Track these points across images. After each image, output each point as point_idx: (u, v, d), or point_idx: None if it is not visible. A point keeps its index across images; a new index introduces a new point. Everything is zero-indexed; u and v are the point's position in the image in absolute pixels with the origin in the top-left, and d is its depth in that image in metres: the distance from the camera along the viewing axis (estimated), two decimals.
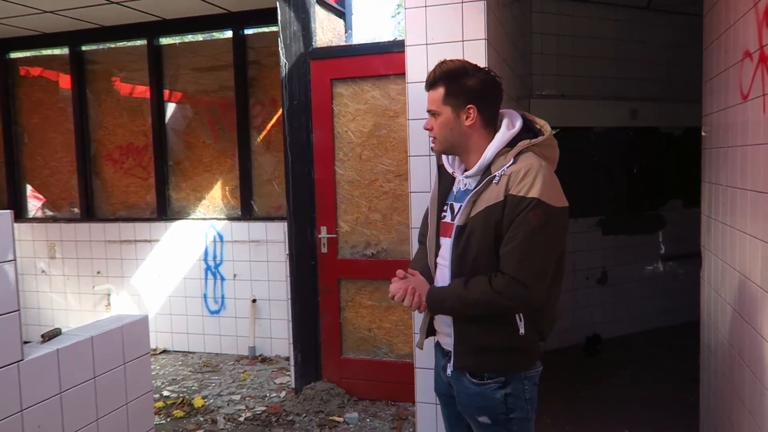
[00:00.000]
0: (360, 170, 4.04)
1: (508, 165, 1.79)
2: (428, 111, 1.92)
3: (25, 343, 2.20)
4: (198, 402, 4.15)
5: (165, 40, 5.37)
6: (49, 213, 5.87)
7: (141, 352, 2.65)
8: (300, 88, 4.02)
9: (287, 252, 4.17)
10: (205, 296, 5.27)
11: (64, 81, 5.68)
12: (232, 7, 4.86)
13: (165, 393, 4.37)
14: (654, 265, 5.56)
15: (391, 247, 4.02)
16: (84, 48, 5.57)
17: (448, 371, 1.94)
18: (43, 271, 5.80)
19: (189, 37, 5.34)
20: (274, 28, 4.70)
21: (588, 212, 5.13)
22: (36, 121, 5.82)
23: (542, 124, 1.92)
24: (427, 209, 2.12)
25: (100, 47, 5.56)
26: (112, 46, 5.53)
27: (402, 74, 3.00)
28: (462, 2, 2.64)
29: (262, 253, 5.07)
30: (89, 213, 5.64)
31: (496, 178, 1.79)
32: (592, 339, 5.10)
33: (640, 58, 5.31)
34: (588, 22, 5.11)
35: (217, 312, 5.25)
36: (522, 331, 1.81)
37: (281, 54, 4.03)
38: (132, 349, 2.60)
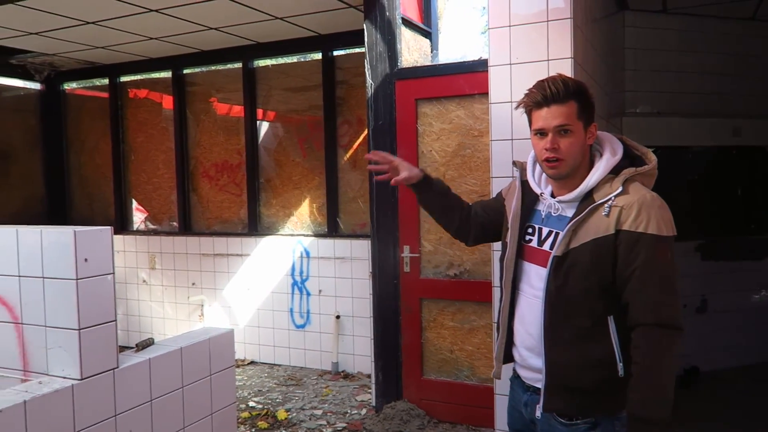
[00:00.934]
0: None
1: (615, 194, 1.70)
2: (558, 126, 1.72)
3: (122, 350, 2.34)
4: (281, 414, 4.24)
5: (259, 63, 5.60)
6: (151, 226, 6.24)
7: (226, 364, 2.75)
8: (385, 108, 4.07)
9: (371, 270, 4.21)
10: (291, 310, 5.41)
11: (167, 102, 6.05)
12: (321, 30, 5.01)
13: (251, 403, 4.50)
14: (761, 294, 5.16)
15: (474, 268, 3.97)
16: (185, 71, 5.91)
17: (537, 413, 1.83)
18: (144, 281, 6.15)
19: (281, 59, 5.55)
20: (361, 50, 4.80)
21: (686, 236, 4.81)
22: (141, 140, 6.22)
23: (645, 151, 1.82)
24: (499, 194, 2.10)
25: (200, 70, 5.89)
26: (211, 68, 5.84)
27: (486, 93, 2.98)
28: (547, 21, 2.59)
29: (347, 270, 5.14)
30: (186, 227, 5.95)
31: (605, 210, 1.69)
32: (690, 371, 4.78)
33: (744, 72, 4.98)
34: (684, 36, 4.86)
35: (303, 326, 5.37)
36: (621, 373, 1.71)
37: (367, 74, 4.10)
38: (218, 361, 2.70)
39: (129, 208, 6.37)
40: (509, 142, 2.76)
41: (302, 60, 5.51)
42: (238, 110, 5.71)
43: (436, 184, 2.16)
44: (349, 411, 4.32)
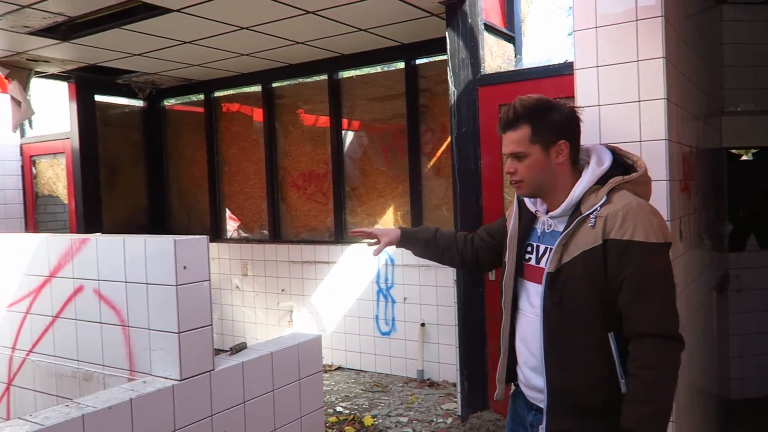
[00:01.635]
0: None
1: (600, 204, 1.68)
2: (511, 154, 1.78)
3: (217, 353, 2.46)
4: (368, 421, 4.29)
5: (344, 74, 5.73)
6: (243, 234, 6.50)
7: (314, 369, 2.82)
8: (468, 114, 4.06)
9: (455, 278, 4.19)
10: (376, 317, 5.47)
11: (257, 115, 6.30)
12: (404, 39, 5.06)
13: (338, 408, 4.59)
14: None
15: None
16: (274, 85, 6.13)
17: None
18: (237, 287, 6.42)
19: (365, 70, 5.66)
20: (443, 57, 4.80)
21: None
22: (234, 152, 6.51)
23: (635, 159, 1.80)
24: (503, 216, 2.09)
25: (288, 83, 6.10)
26: (298, 81, 6.03)
27: (572, 97, 2.91)
28: (636, 20, 2.50)
29: (431, 277, 5.15)
30: (276, 235, 6.16)
31: (591, 221, 1.68)
32: None
33: None
34: None
35: (388, 333, 5.41)
36: (624, 389, 1.65)
37: (450, 82, 4.10)
38: (306, 366, 2.77)
39: (223, 217, 6.66)
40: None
41: (385, 70, 5.58)
42: (324, 121, 5.86)
43: (419, 234, 2.24)
44: (434, 419, 4.31)
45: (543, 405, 1.77)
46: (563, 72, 3.66)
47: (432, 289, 5.13)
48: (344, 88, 5.75)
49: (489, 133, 4.03)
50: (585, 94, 2.66)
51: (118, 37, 4.62)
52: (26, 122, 5.56)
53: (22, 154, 6.70)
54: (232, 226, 6.62)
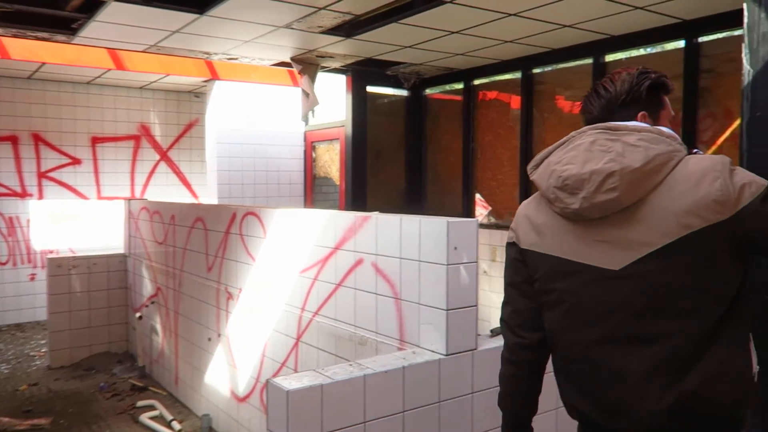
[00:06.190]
0: None
1: None
2: None
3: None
4: None
5: (610, 57, 5.40)
6: (493, 220, 6.56)
7: None
8: (766, 97, 3.53)
9: None
10: None
11: (515, 102, 6.27)
12: (686, 15, 4.58)
13: None
14: None
15: None
16: (534, 71, 6.04)
17: None
18: (484, 272, 6.50)
19: (635, 52, 5.26)
20: (734, 33, 4.26)
21: None
22: (489, 139, 6.58)
23: None
24: None
25: (548, 69, 5.95)
26: (558, 67, 5.85)
27: None
28: None
29: None
30: None
31: None
32: None
33: None
34: None
35: None
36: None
37: (744, 60, 3.59)
38: None
39: (473, 202, 6.80)
40: None
41: (658, 50, 5.13)
42: None
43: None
44: None
45: None
46: None
47: None
48: (609, 71, 5.41)
49: None
50: None
51: (393, 31, 4.96)
52: (310, 112, 6.30)
53: (305, 140, 7.62)
54: (479, 212, 6.72)
